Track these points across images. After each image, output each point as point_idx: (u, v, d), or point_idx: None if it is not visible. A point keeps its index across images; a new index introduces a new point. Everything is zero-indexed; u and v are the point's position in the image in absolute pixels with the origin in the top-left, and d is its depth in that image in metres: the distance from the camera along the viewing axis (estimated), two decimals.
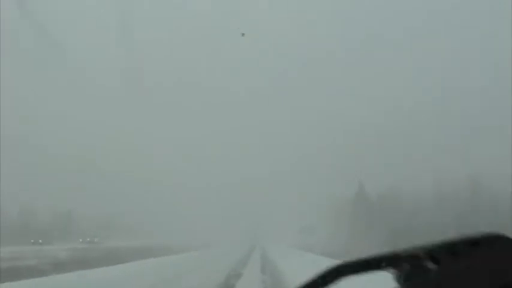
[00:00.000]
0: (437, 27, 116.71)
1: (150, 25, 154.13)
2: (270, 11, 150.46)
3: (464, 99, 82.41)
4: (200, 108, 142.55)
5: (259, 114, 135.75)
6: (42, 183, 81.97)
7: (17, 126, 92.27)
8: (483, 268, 0.71)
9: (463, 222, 43.84)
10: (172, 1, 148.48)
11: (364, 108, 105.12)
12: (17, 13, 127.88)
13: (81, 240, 60.31)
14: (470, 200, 48.76)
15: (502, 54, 75.19)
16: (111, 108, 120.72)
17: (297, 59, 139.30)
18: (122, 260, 25.51)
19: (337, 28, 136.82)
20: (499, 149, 54.26)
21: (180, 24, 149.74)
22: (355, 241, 49.57)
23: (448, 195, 49.36)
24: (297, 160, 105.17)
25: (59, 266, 21.43)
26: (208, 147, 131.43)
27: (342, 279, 0.78)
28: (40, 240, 55.35)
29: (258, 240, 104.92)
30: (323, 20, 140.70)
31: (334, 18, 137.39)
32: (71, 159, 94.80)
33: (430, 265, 0.72)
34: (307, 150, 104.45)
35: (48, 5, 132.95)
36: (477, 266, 0.71)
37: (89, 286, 14.85)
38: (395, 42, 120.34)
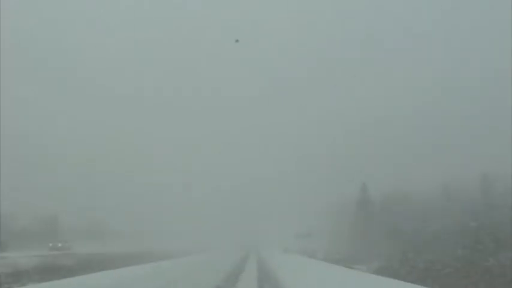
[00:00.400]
0: (437, 28, 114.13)
1: (152, 28, 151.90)
2: (269, 14, 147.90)
3: (467, 99, 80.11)
4: (200, 110, 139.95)
5: (258, 115, 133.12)
6: (36, 185, 78.78)
7: (16, 125, 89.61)
8: None
9: (473, 223, 40.41)
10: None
11: (366, 108, 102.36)
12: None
13: (51, 245, 51.09)
14: (480, 200, 45.30)
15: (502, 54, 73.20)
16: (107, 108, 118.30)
17: (297, 61, 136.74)
18: (92, 269, 21.69)
19: (337, 29, 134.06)
20: (506, 148, 51.23)
21: (180, 26, 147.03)
22: (359, 245, 45.97)
23: (457, 195, 45.90)
24: (297, 161, 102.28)
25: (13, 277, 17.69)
26: (209, 148, 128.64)
27: None
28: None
29: (256, 245, 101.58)
30: (323, 22, 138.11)
31: (333, 21, 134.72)
32: (65, 161, 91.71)
33: None
34: (308, 151, 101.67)
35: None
36: None
37: None
38: (397, 43, 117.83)
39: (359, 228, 49.55)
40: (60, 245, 51.68)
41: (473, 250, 32.99)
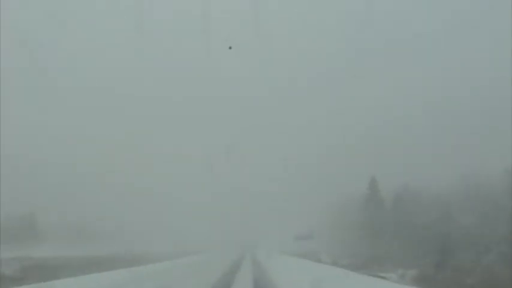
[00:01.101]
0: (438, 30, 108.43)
1: (152, 28, 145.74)
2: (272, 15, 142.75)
3: (474, 98, 74.69)
4: (199, 109, 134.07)
5: (259, 115, 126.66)
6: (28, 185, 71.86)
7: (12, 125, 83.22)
8: None
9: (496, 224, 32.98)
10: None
11: (368, 108, 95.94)
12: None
13: None
14: (506, 198, 37.77)
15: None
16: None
17: (300, 60, 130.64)
18: None
19: (342, 29, 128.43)
20: None
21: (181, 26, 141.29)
22: (369, 247, 38.36)
23: (480, 193, 38.53)
24: (298, 160, 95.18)
25: None
26: (209, 149, 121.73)
27: None
28: None
29: (256, 245, 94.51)
30: (326, 23, 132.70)
31: (336, 21, 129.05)
32: (52, 161, 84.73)
33: None
34: (310, 150, 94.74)
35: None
36: None
37: None
38: (402, 43, 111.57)
39: (368, 228, 42.01)
40: None
41: None
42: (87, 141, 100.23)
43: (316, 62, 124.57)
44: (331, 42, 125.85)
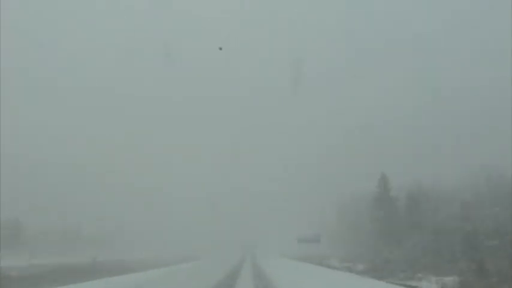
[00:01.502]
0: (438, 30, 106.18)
1: (153, 29, 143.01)
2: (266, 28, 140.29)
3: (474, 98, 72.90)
4: (201, 110, 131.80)
5: (260, 117, 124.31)
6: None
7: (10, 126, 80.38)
8: None
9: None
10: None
11: (366, 108, 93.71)
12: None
13: None
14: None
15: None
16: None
17: (304, 61, 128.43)
18: None
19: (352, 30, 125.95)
20: None
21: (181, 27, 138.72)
22: (382, 251, 35.46)
23: (498, 190, 35.83)
24: (302, 159, 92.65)
25: None
26: (210, 150, 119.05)
27: None
28: None
29: (255, 249, 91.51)
30: (329, 24, 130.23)
31: (339, 22, 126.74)
32: (52, 160, 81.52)
33: None
34: (312, 150, 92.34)
35: None
36: None
37: None
38: (402, 43, 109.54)
39: (378, 229, 39.07)
40: None
41: None
42: (87, 141, 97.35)
43: (316, 62, 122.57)
44: (331, 42, 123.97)
